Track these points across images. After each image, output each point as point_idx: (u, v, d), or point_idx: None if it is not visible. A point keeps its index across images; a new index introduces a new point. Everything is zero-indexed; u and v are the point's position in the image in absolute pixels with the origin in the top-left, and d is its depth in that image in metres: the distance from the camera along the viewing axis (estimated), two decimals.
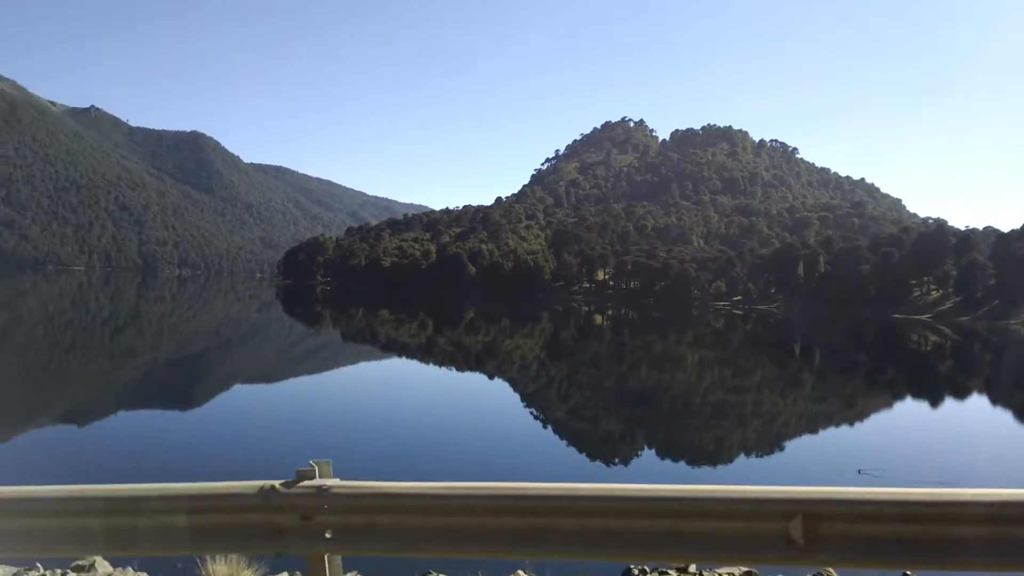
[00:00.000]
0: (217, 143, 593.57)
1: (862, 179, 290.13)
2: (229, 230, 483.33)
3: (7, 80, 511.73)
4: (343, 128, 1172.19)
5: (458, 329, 54.56)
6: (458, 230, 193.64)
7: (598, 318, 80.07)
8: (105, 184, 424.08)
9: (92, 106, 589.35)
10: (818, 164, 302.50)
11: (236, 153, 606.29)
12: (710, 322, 79.46)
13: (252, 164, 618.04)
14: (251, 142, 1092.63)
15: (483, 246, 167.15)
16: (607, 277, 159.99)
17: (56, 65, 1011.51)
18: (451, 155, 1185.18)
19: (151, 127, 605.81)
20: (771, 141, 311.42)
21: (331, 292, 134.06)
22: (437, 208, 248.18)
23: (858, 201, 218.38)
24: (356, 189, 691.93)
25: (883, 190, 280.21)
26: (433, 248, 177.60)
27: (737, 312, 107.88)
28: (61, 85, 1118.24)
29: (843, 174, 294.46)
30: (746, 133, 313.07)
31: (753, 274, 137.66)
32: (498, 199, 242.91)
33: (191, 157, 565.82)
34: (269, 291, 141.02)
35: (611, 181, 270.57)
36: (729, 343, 51.72)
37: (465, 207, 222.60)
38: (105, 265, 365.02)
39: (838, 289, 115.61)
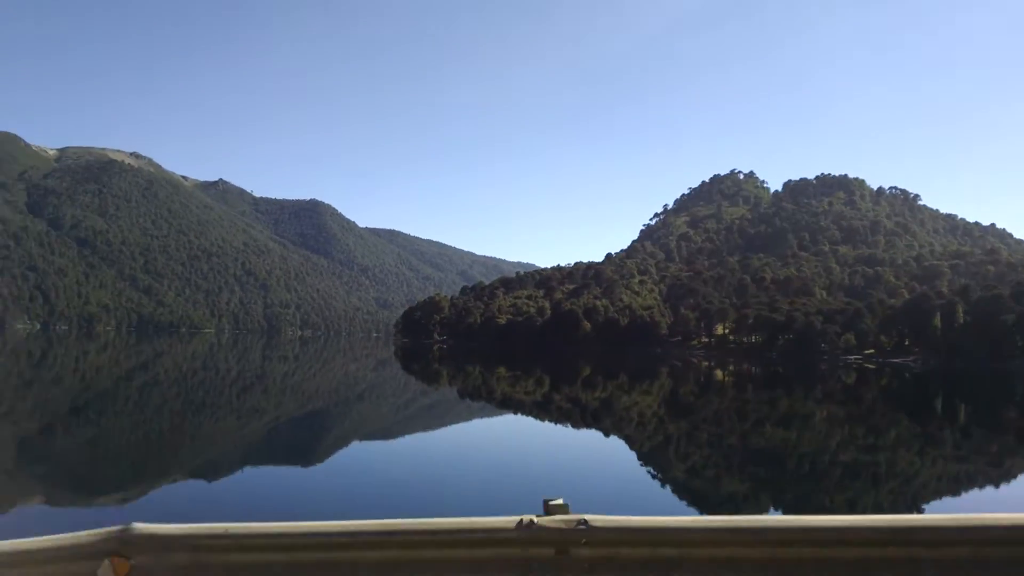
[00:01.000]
0: (334, 210, 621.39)
1: (992, 224, 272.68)
2: (346, 292, 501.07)
3: (144, 158, 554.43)
4: (453, 192, 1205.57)
5: (575, 385, 53.40)
6: (571, 287, 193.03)
7: (719, 373, 77.19)
8: (233, 251, 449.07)
9: (220, 179, 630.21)
10: (943, 211, 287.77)
11: (352, 219, 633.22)
12: (840, 377, 75.09)
13: (367, 228, 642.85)
14: (366, 208, 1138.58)
15: (597, 302, 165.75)
16: (727, 331, 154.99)
17: (187, 143, 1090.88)
18: (556, 213, 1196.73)
19: (273, 196, 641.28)
20: (890, 188, 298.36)
21: (447, 350, 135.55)
22: (544, 265, 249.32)
23: (991, 248, 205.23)
24: (465, 249, 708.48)
25: (1016, 235, 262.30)
26: (547, 305, 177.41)
27: (869, 366, 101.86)
28: (192, 161, 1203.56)
29: (970, 220, 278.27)
30: (863, 181, 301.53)
31: (884, 326, 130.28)
32: (608, 255, 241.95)
33: (310, 223, 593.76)
34: (387, 350, 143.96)
35: (723, 234, 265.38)
36: (862, 399, 48.44)
37: (576, 264, 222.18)
38: (233, 327, 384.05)
39: (979, 341, 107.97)
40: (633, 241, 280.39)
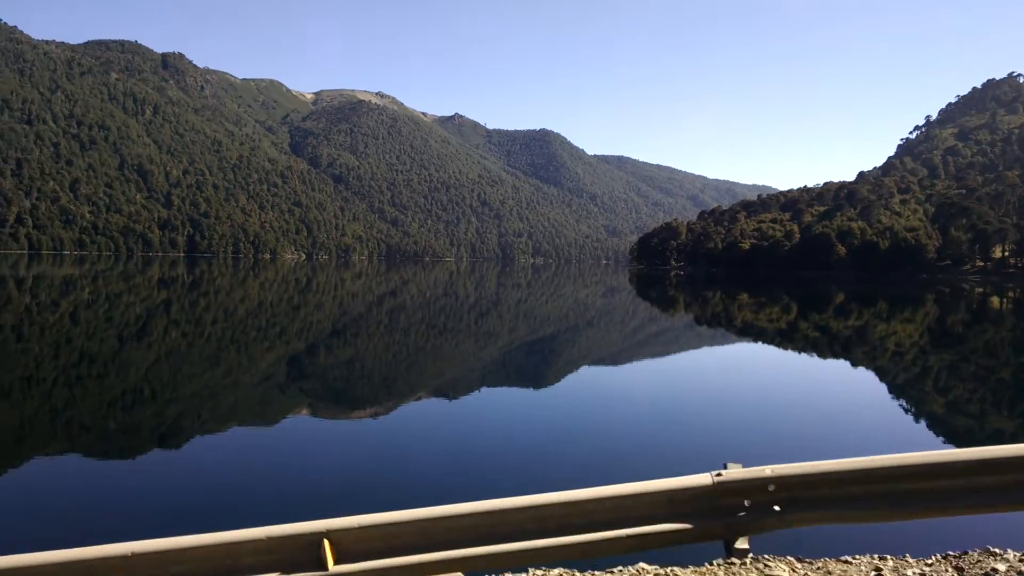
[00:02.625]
0: (564, 138, 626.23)
1: None
2: (576, 220, 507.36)
3: (388, 97, 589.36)
4: (681, 115, 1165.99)
5: (825, 313, 50.24)
6: (821, 208, 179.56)
7: (995, 300, 69.47)
8: (469, 183, 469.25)
9: (456, 114, 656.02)
10: None
11: (580, 147, 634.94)
12: None
13: (595, 156, 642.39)
14: (594, 135, 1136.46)
15: (852, 224, 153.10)
16: (1006, 254, 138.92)
17: (425, 82, 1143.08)
18: (796, 131, 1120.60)
19: (505, 128, 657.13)
20: None
21: (685, 276, 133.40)
22: (783, 188, 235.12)
23: None
24: (696, 173, 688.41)
25: None
26: (795, 228, 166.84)
27: None
28: (431, 98, 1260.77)
29: None
30: None
31: None
32: (860, 174, 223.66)
33: (541, 153, 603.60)
34: (617, 277, 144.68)
35: (999, 146, 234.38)
36: None
37: (825, 184, 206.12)
38: (471, 255, 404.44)
39: None
40: (889, 157, 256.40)
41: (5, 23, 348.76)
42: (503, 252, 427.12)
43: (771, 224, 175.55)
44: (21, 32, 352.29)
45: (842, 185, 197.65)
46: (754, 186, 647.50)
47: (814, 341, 33.10)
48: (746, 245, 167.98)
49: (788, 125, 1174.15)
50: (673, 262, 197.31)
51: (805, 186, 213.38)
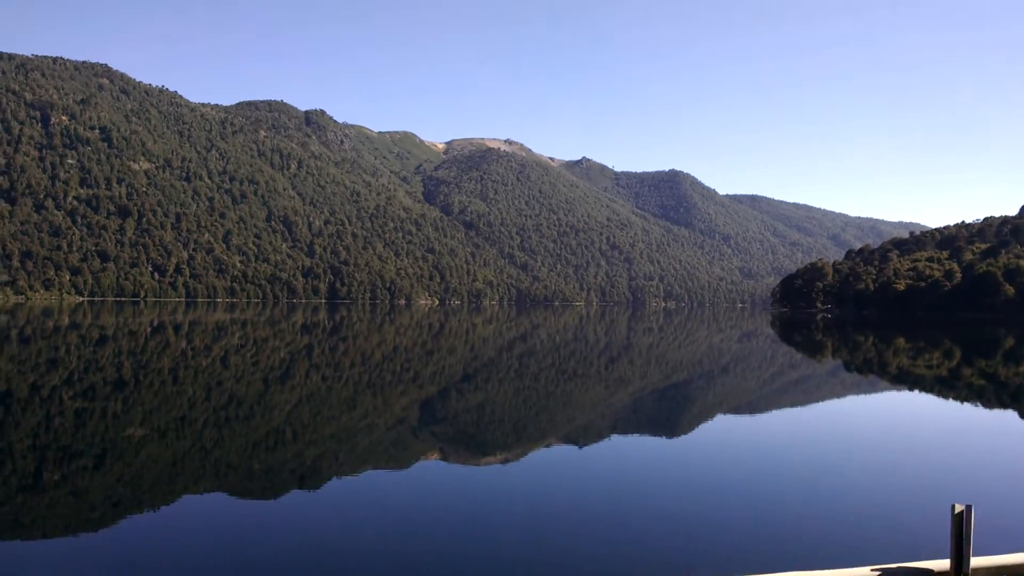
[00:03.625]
0: (694, 179, 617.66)
1: None
2: (709, 262, 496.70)
3: (516, 143, 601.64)
4: (817, 150, 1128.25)
5: (993, 359, 46.49)
6: (983, 245, 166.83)
7: None
8: (598, 227, 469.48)
9: (583, 158, 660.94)
10: None
11: (712, 187, 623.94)
12: None
13: (728, 195, 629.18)
14: (726, 175, 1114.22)
15: (1021, 262, 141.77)
16: None
17: (552, 127, 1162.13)
18: (944, 162, 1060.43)
19: (633, 171, 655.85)
20: None
21: (833, 319, 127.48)
22: (933, 224, 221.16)
23: None
24: (836, 211, 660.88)
25: None
26: (955, 267, 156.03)
27: None
28: (558, 143, 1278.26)
29: None
30: None
31: None
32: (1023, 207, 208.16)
33: (670, 194, 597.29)
34: (753, 320, 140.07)
35: None
36: None
37: (986, 219, 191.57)
38: (600, 299, 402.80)
39: None
40: None
41: (167, 89, 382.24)
42: (633, 295, 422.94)
43: (927, 263, 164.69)
44: (181, 96, 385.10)
45: (1005, 220, 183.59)
46: (900, 223, 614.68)
47: (979, 389, 30.64)
48: (901, 286, 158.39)
49: (935, 157, 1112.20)
50: (819, 304, 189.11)
51: (963, 221, 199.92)
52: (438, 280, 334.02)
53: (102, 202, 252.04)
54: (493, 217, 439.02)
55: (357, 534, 10.19)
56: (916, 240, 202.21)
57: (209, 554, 9.30)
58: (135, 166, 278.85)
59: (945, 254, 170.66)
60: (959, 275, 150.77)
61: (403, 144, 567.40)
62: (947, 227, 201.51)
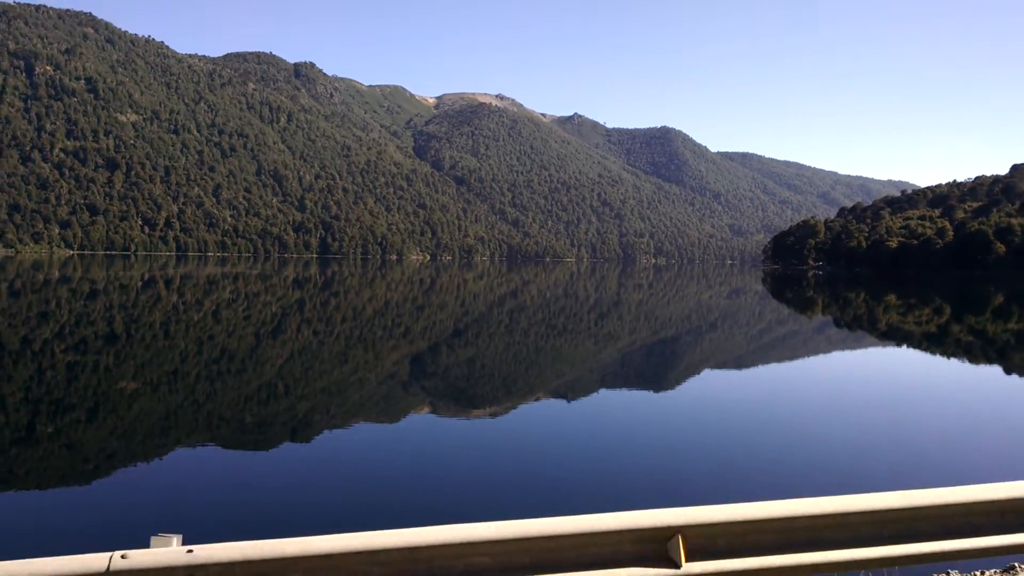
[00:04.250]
0: (686, 135, 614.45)
1: None
2: (699, 219, 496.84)
3: (508, 99, 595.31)
4: (809, 109, 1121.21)
5: (982, 316, 46.91)
6: (974, 204, 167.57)
7: None
8: (589, 183, 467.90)
9: (575, 114, 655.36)
10: None
11: (703, 143, 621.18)
12: None
13: (719, 153, 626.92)
14: (717, 132, 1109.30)
15: (1012, 220, 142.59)
16: None
17: (544, 83, 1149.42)
18: (935, 122, 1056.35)
19: (625, 127, 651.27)
20: None
21: (824, 276, 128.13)
22: (923, 184, 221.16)
23: None
24: (827, 169, 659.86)
25: None
26: (948, 226, 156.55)
27: None
28: (549, 99, 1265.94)
29: None
30: None
31: None
32: (1015, 166, 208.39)
33: (662, 151, 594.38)
34: (742, 277, 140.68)
35: None
36: None
37: (978, 178, 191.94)
38: (591, 256, 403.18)
39: None
40: None
41: (153, 39, 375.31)
42: (624, 252, 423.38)
43: (919, 221, 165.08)
44: (168, 47, 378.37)
45: (996, 179, 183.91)
46: (889, 181, 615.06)
47: (967, 346, 31.02)
48: (893, 243, 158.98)
49: (924, 116, 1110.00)
50: (811, 261, 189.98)
51: (954, 180, 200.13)
52: (429, 236, 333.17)
53: (89, 154, 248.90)
54: (484, 173, 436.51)
55: (348, 485, 10.37)
56: (908, 198, 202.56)
57: (202, 504, 9.47)
58: (122, 118, 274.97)
59: (937, 212, 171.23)
60: (951, 233, 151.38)
61: (393, 98, 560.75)
62: (939, 186, 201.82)
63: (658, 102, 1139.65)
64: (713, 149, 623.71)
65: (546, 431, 14.30)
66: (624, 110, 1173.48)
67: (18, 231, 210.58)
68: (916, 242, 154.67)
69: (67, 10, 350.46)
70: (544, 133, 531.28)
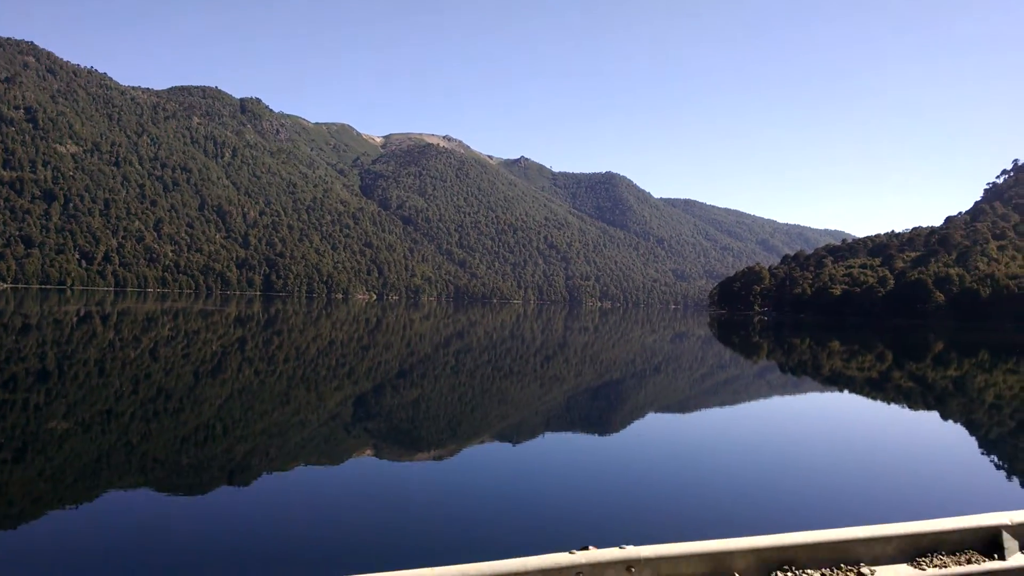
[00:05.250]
0: (630, 181, 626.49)
1: None
2: (643, 263, 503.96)
3: (455, 140, 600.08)
4: (748, 157, 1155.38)
5: (923, 362, 48.34)
6: (913, 254, 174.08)
7: None
8: (536, 225, 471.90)
9: (522, 156, 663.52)
10: None
11: (647, 189, 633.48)
12: None
13: (662, 199, 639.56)
14: (660, 178, 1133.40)
15: (950, 271, 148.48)
16: None
17: (491, 125, 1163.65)
18: (868, 174, 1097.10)
19: (571, 171, 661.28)
20: None
21: (771, 322, 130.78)
22: (857, 234, 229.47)
23: None
24: (765, 217, 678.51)
25: None
26: (888, 274, 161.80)
27: None
28: (496, 142, 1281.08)
29: None
30: None
31: None
32: (948, 218, 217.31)
33: (607, 196, 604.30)
34: (686, 322, 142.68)
35: None
36: None
37: (914, 229, 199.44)
38: (538, 298, 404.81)
39: None
40: (977, 202, 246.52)
41: (96, 70, 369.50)
42: (570, 295, 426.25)
43: (861, 270, 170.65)
44: (111, 79, 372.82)
45: (932, 231, 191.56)
46: (826, 231, 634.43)
47: (907, 392, 31.91)
48: (837, 291, 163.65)
49: (860, 168, 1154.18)
50: (756, 307, 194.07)
51: (892, 231, 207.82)
52: (376, 275, 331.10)
53: (26, 185, 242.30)
54: (431, 213, 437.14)
55: (286, 530, 10.14)
56: (849, 247, 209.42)
57: (134, 551, 9.15)
58: (62, 149, 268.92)
59: (877, 261, 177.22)
60: (892, 282, 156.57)
61: (340, 136, 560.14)
62: (878, 235, 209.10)
63: (603, 147, 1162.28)
64: (656, 195, 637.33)
65: (490, 473, 14.22)
66: (570, 154, 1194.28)
67: None
68: (859, 290, 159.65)
69: (8, 38, 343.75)
70: (491, 175, 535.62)
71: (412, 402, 24.49)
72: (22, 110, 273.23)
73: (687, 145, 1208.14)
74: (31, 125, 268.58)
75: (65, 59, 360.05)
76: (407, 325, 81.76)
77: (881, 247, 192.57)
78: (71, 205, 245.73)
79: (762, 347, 63.98)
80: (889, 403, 28.58)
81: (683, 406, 26.63)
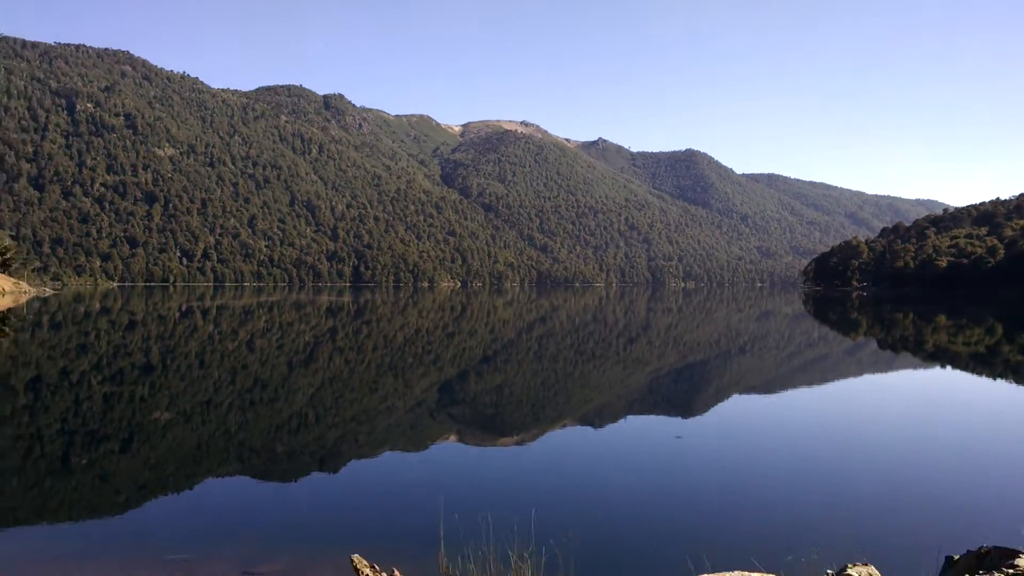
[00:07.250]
0: (711, 158, 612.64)
1: None
2: (727, 241, 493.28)
3: (532, 125, 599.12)
4: (834, 128, 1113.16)
5: None
6: (1022, 221, 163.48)
7: None
8: (616, 207, 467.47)
9: (600, 139, 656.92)
10: None
11: (728, 166, 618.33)
12: None
13: (744, 175, 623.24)
14: (742, 153, 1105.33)
15: None
16: None
17: (568, 108, 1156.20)
18: (962, 140, 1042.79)
19: (650, 150, 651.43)
20: None
21: (869, 297, 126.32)
22: (949, 202, 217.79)
23: None
24: (853, 189, 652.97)
25: None
26: (998, 244, 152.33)
27: None
28: (573, 124, 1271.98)
29: None
30: None
31: None
32: None
33: (687, 174, 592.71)
34: (772, 299, 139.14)
35: None
36: None
37: (1022, 195, 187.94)
38: (620, 280, 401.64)
39: None
40: None
41: (188, 75, 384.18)
42: (653, 276, 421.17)
43: (968, 240, 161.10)
44: (202, 82, 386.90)
45: None
46: (918, 200, 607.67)
47: (1014, 365, 30.37)
48: (943, 263, 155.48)
49: (951, 133, 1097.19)
50: (855, 282, 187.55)
51: (998, 198, 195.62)
52: (460, 262, 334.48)
53: (129, 188, 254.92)
54: (512, 199, 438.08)
55: (375, 515, 10.50)
56: (952, 217, 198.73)
57: (231, 535, 9.65)
58: (160, 152, 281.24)
59: (984, 230, 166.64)
60: (1002, 251, 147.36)
61: (420, 127, 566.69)
62: (983, 203, 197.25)
63: (682, 125, 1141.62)
64: (738, 171, 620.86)
65: (572, 459, 14.32)
66: (648, 133, 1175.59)
67: (61, 264, 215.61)
68: (966, 261, 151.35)
69: (105, 49, 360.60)
70: (570, 158, 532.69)
71: (496, 388, 24.79)
72: (122, 117, 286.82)
73: (769, 118, 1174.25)
74: (131, 131, 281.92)
75: (159, 66, 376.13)
76: (491, 311, 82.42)
77: (987, 215, 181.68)
78: (171, 205, 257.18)
79: (861, 323, 61.91)
80: (994, 379, 27.24)
81: (775, 386, 26.00)
